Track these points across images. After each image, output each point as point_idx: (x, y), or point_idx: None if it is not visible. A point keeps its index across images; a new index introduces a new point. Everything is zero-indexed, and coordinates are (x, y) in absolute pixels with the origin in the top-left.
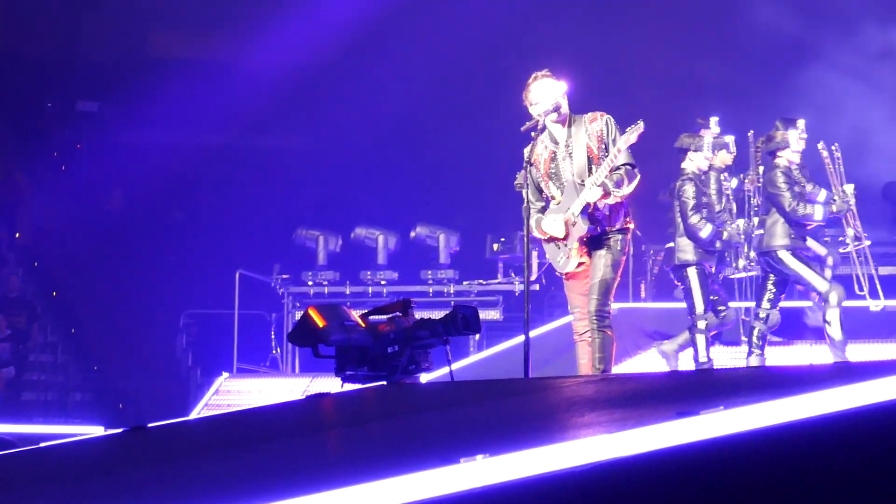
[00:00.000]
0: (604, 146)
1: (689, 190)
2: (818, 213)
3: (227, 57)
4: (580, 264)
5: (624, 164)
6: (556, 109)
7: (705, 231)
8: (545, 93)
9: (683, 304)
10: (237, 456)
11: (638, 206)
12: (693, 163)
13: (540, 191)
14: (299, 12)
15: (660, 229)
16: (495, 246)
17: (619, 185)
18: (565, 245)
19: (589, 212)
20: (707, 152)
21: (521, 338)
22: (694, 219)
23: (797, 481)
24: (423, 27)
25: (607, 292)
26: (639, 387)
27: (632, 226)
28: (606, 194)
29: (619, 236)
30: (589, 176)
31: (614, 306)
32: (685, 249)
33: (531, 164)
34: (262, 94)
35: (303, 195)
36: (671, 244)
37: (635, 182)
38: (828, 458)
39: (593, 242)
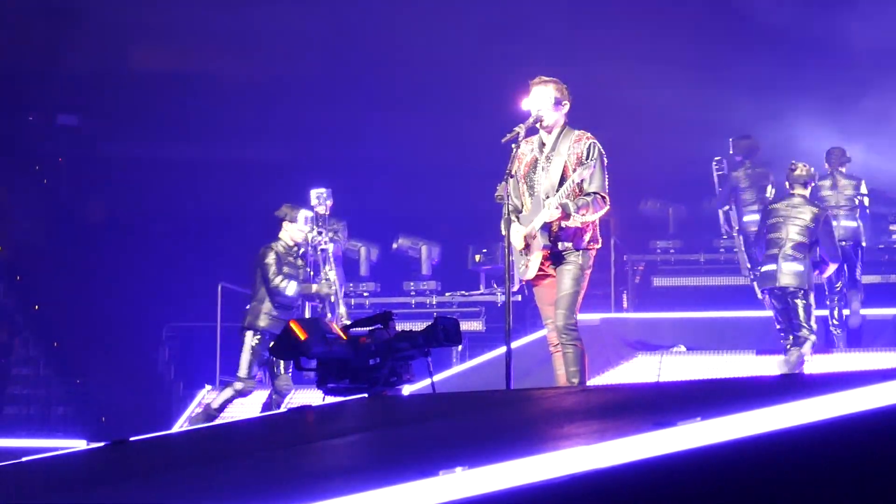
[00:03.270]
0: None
1: (269, 257)
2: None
3: (208, 69)
4: (545, 276)
5: (594, 193)
6: (538, 121)
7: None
8: (532, 101)
9: (666, 315)
10: (219, 469)
11: (621, 216)
12: (286, 233)
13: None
14: (279, 24)
15: (641, 239)
16: (477, 257)
17: (581, 210)
18: (527, 255)
19: (552, 230)
20: (301, 225)
21: (503, 349)
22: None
23: (773, 492)
24: (401, 36)
25: (573, 306)
26: (618, 398)
27: (597, 246)
28: (566, 216)
29: (581, 252)
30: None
31: (596, 317)
32: None
33: (512, 166)
34: (243, 106)
35: None
36: None
37: (601, 212)
38: (804, 469)
39: (556, 258)
